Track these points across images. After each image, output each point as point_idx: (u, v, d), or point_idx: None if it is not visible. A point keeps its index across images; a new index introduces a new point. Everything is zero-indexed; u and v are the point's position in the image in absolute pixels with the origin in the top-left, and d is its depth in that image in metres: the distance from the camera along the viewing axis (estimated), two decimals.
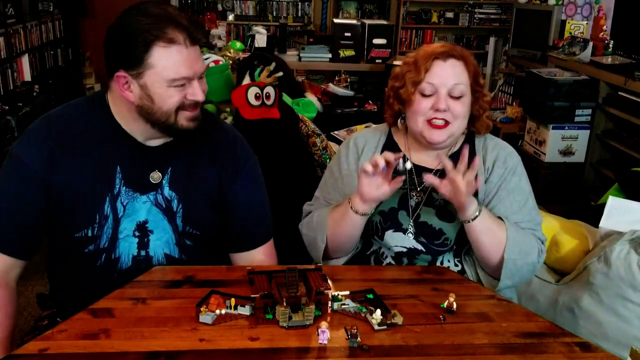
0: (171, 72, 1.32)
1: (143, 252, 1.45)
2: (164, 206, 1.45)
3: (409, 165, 1.38)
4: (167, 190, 1.45)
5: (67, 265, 1.48)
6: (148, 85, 1.33)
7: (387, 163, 1.39)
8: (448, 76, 1.49)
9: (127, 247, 1.44)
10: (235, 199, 1.53)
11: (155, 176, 1.44)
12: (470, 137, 1.62)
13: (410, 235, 1.54)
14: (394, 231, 1.56)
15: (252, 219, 1.57)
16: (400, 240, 1.56)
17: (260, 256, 1.58)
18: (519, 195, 1.55)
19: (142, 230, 1.44)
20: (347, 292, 1.28)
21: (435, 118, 1.50)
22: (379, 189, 1.43)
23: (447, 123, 1.51)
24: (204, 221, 1.50)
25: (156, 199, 1.45)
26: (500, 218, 1.50)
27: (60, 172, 1.39)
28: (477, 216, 1.43)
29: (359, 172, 1.62)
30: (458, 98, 1.50)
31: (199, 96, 1.37)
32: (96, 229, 1.41)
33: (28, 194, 1.39)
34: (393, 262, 1.57)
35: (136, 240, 1.44)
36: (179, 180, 1.46)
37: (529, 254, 1.48)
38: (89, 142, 1.41)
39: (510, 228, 1.47)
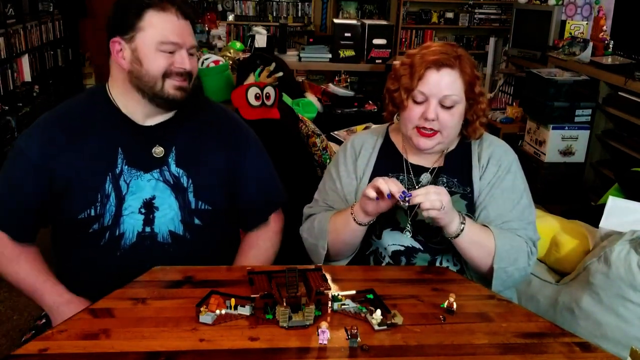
0: (159, 35, 1.40)
1: (148, 229, 1.49)
2: (172, 182, 1.49)
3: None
4: (174, 167, 1.50)
5: (73, 250, 1.52)
6: (138, 48, 1.41)
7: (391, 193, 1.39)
8: (440, 86, 1.48)
9: (132, 224, 1.48)
10: (246, 173, 1.59)
11: (157, 150, 1.49)
12: (466, 135, 1.62)
13: (408, 233, 1.55)
14: (391, 229, 1.57)
15: (264, 190, 1.64)
16: (398, 239, 1.56)
17: (271, 223, 1.67)
18: (512, 194, 1.54)
19: (149, 207, 1.48)
20: (347, 292, 1.28)
21: (424, 127, 1.51)
22: (380, 204, 1.44)
23: (435, 132, 1.51)
24: (215, 195, 1.54)
25: (163, 175, 1.49)
26: (487, 226, 1.50)
27: (62, 158, 1.45)
28: (459, 233, 1.43)
29: (357, 174, 1.63)
30: (449, 108, 1.50)
31: (187, 65, 1.44)
32: (99, 207, 1.45)
33: (27, 182, 1.46)
34: (392, 262, 1.58)
35: (142, 217, 1.48)
36: (185, 157, 1.51)
37: (519, 259, 1.48)
38: (90, 127, 1.48)
39: (498, 237, 1.47)
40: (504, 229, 1.51)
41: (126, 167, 1.47)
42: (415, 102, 1.51)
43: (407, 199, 1.36)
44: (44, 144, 1.45)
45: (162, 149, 1.49)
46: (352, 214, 1.49)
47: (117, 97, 1.50)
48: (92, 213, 1.45)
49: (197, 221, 1.52)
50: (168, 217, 1.49)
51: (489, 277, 1.49)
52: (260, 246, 1.63)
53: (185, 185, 1.50)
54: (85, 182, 1.45)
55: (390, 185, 1.38)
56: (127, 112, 1.49)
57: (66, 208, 1.47)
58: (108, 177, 1.46)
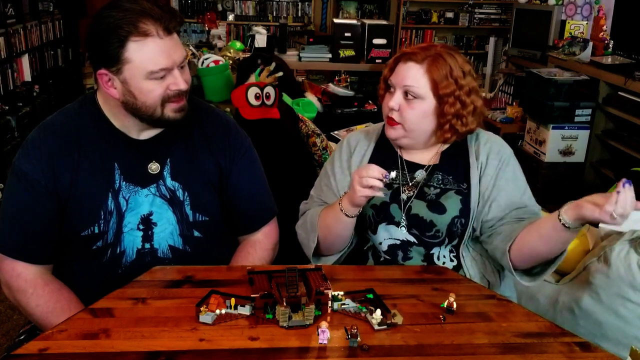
0: (149, 65, 1.33)
1: (147, 245, 1.47)
2: (168, 197, 1.48)
3: (393, 174, 1.41)
4: (169, 181, 1.48)
5: (75, 266, 1.49)
6: (128, 80, 1.35)
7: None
8: (403, 77, 1.54)
9: (132, 241, 1.46)
10: (235, 183, 1.56)
11: (153, 167, 1.47)
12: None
13: (403, 228, 1.56)
14: (387, 224, 1.58)
15: (253, 201, 1.61)
16: (393, 233, 1.58)
17: (260, 236, 1.63)
18: (517, 182, 1.57)
19: (146, 223, 1.47)
20: (347, 292, 1.28)
21: (389, 116, 1.57)
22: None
23: (398, 123, 1.55)
24: (210, 205, 1.53)
25: (159, 190, 1.47)
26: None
27: (62, 176, 1.42)
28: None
29: (350, 170, 1.65)
30: (411, 101, 1.53)
31: (182, 85, 1.38)
32: (102, 224, 1.44)
33: (40, 204, 1.42)
34: (387, 257, 1.59)
35: (141, 233, 1.47)
36: (180, 170, 1.49)
37: None
38: (85, 143, 1.44)
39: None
40: (524, 216, 1.51)
41: (124, 183, 1.45)
42: (388, 93, 1.58)
43: (385, 179, 1.41)
44: (44, 162, 1.41)
45: (157, 165, 1.47)
46: (341, 209, 1.50)
47: (110, 114, 1.45)
48: (96, 230, 1.43)
49: (196, 233, 1.51)
50: (167, 232, 1.48)
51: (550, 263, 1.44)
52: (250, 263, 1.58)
53: (181, 198, 1.49)
54: (87, 199, 1.43)
55: (374, 174, 1.40)
56: (120, 127, 1.45)
57: (69, 224, 1.44)
58: (110, 194, 1.44)
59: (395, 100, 1.54)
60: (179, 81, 1.37)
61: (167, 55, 1.34)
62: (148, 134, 1.48)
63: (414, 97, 1.53)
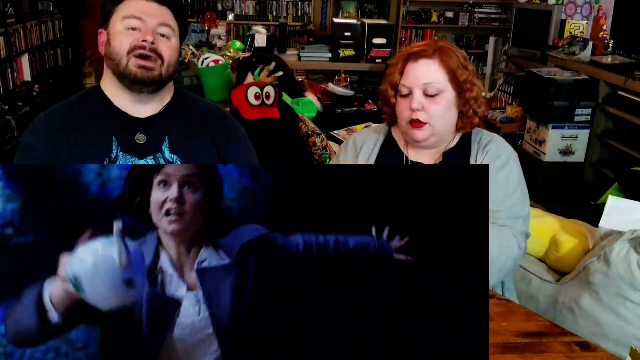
0: (125, 12, 1.44)
1: None
2: None
3: None
4: (168, 154, 1.52)
5: None
6: (110, 31, 1.46)
7: None
8: (420, 76, 1.52)
9: None
10: (231, 162, 1.59)
11: (140, 137, 1.51)
12: (462, 127, 1.62)
13: None
14: None
15: None
16: None
17: None
18: (506, 188, 1.53)
19: None
20: None
21: (413, 119, 1.54)
22: None
23: (425, 123, 1.53)
24: None
25: (157, 162, 1.51)
26: None
27: (64, 151, 1.48)
28: None
29: None
30: (434, 97, 1.52)
31: (149, 37, 1.44)
32: None
33: None
34: None
35: None
36: (179, 145, 1.53)
37: (510, 247, 1.49)
38: (87, 121, 1.51)
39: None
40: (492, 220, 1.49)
41: (121, 153, 1.49)
42: (402, 97, 1.55)
43: None
44: (46, 137, 1.48)
45: (144, 136, 1.51)
46: None
47: (107, 89, 1.52)
48: None
49: None
50: None
51: None
52: None
53: None
54: None
55: None
56: (118, 104, 1.51)
57: None
58: (105, 162, 1.48)
59: (417, 101, 1.52)
60: (148, 36, 1.44)
61: (145, 13, 1.44)
62: (145, 109, 1.52)
63: (435, 93, 1.52)
